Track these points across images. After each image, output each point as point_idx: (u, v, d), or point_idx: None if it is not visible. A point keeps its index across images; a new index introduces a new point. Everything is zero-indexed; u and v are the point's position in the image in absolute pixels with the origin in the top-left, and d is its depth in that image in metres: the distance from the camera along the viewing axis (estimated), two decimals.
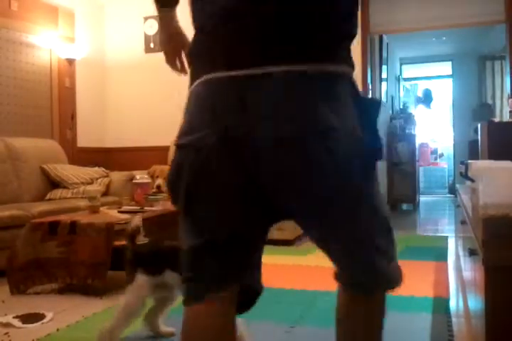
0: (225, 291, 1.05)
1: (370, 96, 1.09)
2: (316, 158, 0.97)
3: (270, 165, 0.98)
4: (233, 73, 0.98)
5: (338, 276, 1.18)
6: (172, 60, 1.29)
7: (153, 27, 5.49)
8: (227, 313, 1.07)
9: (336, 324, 1.21)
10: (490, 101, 7.95)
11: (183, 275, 1.08)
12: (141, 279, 1.89)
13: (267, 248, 1.17)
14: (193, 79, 1.08)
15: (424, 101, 9.47)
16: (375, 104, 1.10)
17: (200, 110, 1.02)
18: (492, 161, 2.35)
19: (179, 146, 1.05)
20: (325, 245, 1.14)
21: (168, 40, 1.26)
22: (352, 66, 1.12)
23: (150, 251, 1.98)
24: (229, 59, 1.00)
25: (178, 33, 1.26)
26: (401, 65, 9.04)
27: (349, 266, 1.14)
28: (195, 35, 1.08)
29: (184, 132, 1.04)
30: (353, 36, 1.09)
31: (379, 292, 1.17)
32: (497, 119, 6.68)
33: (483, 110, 7.70)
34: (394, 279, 1.15)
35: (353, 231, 1.07)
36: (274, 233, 3.71)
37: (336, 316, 1.21)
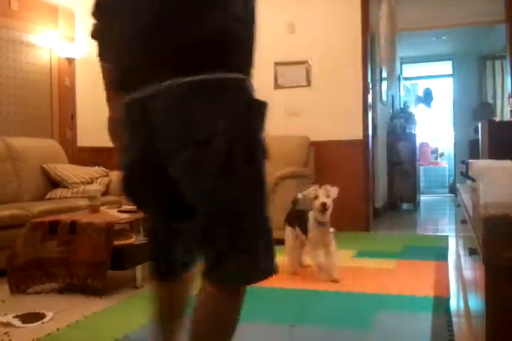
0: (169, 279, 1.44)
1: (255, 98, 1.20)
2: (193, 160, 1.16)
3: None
4: (132, 96, 1.21)
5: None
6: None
7: None
8: (174, 287, 1.45)
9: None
10: (490, 101, 7.95)
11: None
12: (288, 229, 3.16)
13: None
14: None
15: (425, 101, 9.46)
16: (258, 106, 1.22)
17: (122, 127, 1.32)
18: (493, 161, 2.34)
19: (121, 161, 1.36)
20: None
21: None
22: (237, 71, 1.20)
23: (292, 215, 3.17)
24: (128, 85, 1.24)
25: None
26: (401, 64, 9.03)
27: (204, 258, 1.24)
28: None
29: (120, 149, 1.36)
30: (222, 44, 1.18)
31: (221, 287, 1.19)
32: (497, 119, 6.68)
33: (483, 109, 7.69)
34: (233, 278, 1.17)
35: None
36: (274, 233, 3.70)
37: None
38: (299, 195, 3.13)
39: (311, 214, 2.96)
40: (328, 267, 2.91)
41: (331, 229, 2.99)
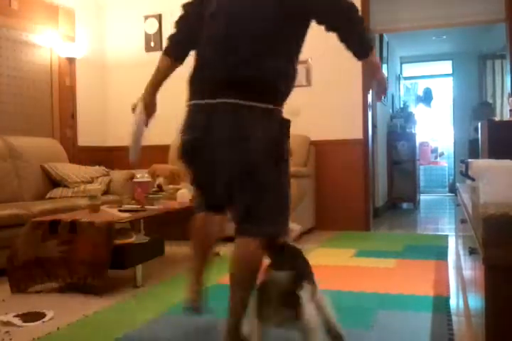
0: (210, 212, 2.00)
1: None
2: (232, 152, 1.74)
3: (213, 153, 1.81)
4: (203, 101, 1.79)
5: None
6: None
7: (153, 26, 5.49)
8: (212, 221, 2.00)
9: None
10: (490, 100, 7.95)
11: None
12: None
13: None
14: (188, 100, 1.87)
15: (425, 100, 9.46)
16: (285, 124, 1.86)
17: (189, 120, 1.87)
18: (492, 160, 2.34)
19: (182, 137, 1.89)
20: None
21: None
22: (276, 104, 1.83)
23: None
24: (201, 93, 1.81)
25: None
26: (401, 63, 9.03)
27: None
28: (192, 70, 1.87)
29: (183, 130, 1.89)
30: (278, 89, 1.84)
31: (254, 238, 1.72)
32: (497, 118, 6.68)
33: (483, 109, 7.69)
34: (263, 233, 1.73)
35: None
36: None
37: None
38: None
39: None
40: None
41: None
